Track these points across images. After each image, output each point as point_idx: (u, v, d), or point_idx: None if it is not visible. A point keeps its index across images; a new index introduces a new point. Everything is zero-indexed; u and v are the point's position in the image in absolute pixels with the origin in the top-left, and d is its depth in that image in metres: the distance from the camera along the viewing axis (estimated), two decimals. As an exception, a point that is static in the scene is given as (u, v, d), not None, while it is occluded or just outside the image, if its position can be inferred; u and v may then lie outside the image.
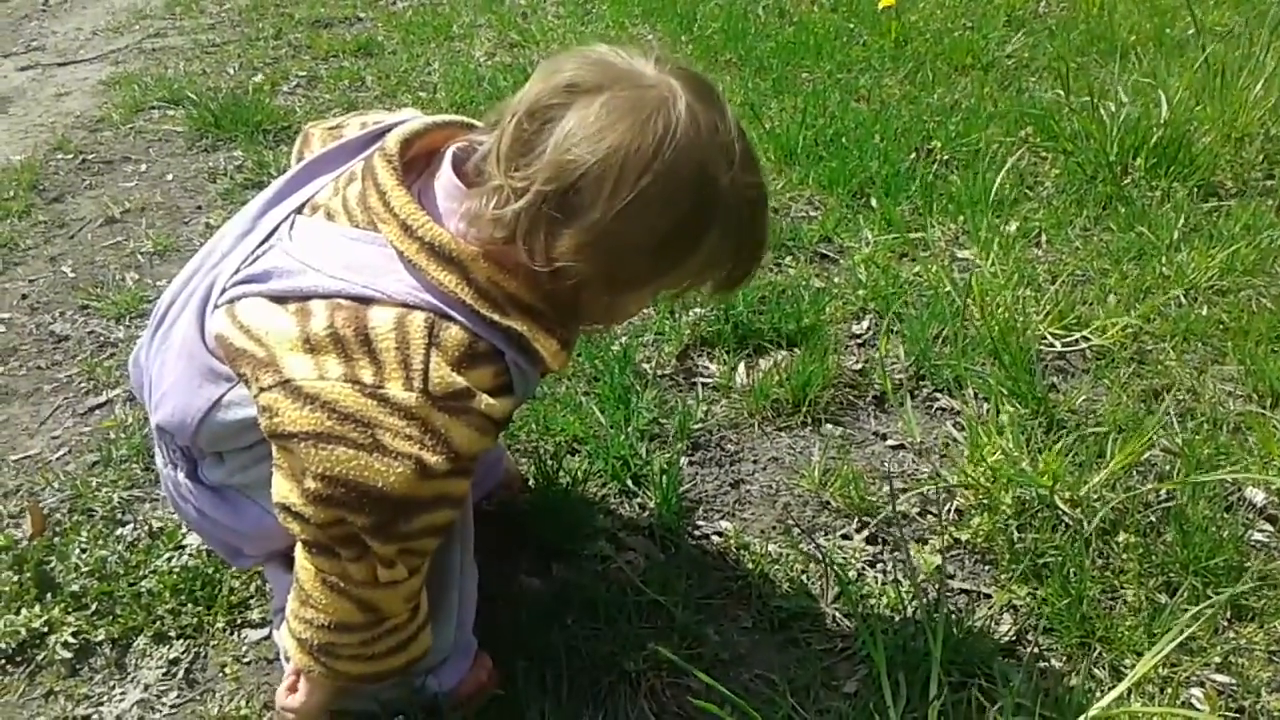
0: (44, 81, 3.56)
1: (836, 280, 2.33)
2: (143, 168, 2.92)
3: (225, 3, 4.21)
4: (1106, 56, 3.61)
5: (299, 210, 1.18)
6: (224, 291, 1.14)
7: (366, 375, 1.03)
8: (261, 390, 1.04)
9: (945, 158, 2.88)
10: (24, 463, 1.84)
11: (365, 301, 1.05)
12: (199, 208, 2.71)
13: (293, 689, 1.25)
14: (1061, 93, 3.11)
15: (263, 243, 1.15)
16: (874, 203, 2.64)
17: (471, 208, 1.06)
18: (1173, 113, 2.85)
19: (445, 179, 1.11)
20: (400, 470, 1.02)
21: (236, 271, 1.14)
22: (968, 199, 2.60)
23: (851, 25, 3.93)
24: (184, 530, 1.63)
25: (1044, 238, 2.50)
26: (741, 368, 2.04)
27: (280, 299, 1.08)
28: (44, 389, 2.03)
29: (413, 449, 1.02)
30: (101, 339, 2.17)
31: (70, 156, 2.98)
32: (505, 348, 1.08)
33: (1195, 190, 2.67)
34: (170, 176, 2.86)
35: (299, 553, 1.11)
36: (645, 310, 1.21)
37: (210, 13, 4.20)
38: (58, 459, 1.85)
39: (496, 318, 1.06)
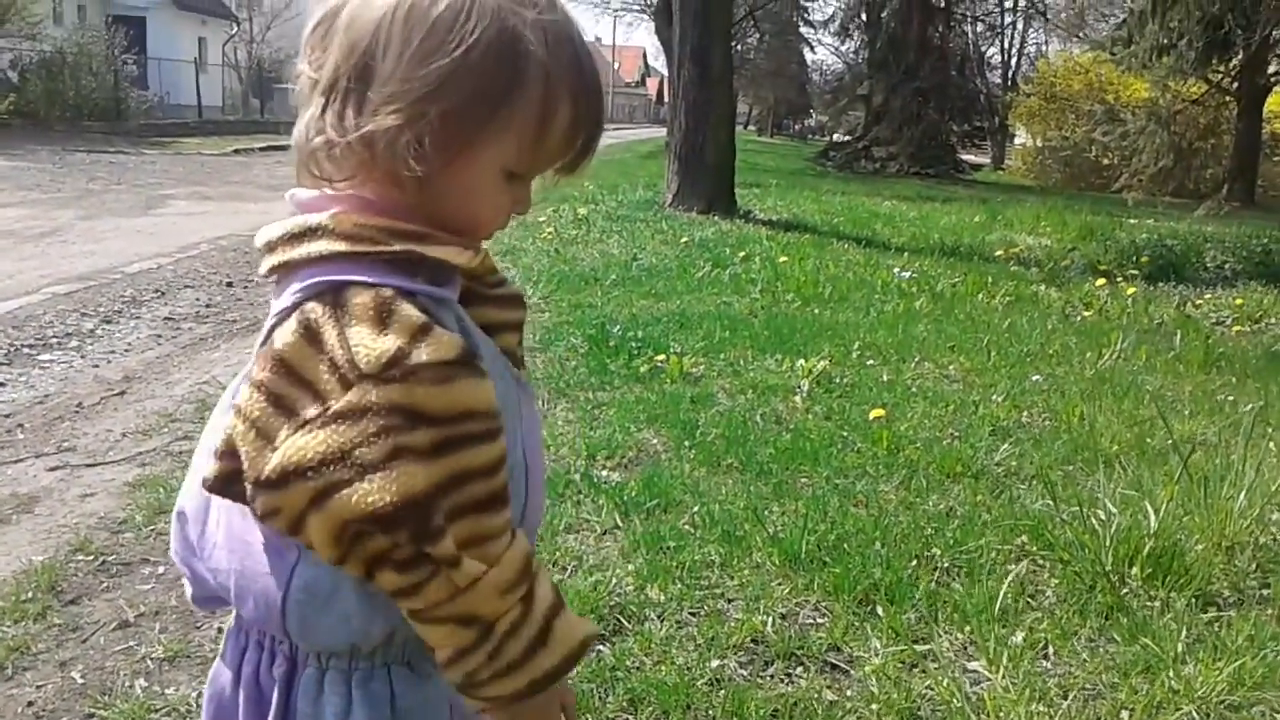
0: (71, 482, 3.69)
1: (849, 693, 2.33)
2: (160, 570, 2.98)
3: (252, 407, 4.44)
4: (1091, 465, 3.80)
5: None
6: None
7: (310, 409, 0.93)
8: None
9: (945, 564, 2.95)
10: None
11: (269, 340, 0.99)
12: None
13: None
14: (1051, 502, 3.25)
15: None
16: (880, 610, 2.68)
17: (305, 148, 1.01)
18: (1161, 523, 2.96)
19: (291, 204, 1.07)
20: (394, 477, 0.91)
21: None
22: (972, 608, 2.65)
23: (845, 433, 4.14)
24: None
25: (1051, 649, 2.53)
26: (758, 788, 2.00)
27: None
28: (40, 807, 1.98)
29: (389, 445, 0.91)
30: (105, 752, 2.14)
31: (90, 558, 3.04)
32: (409, 284, 0.98)
33: (1194, 600, 2.73)
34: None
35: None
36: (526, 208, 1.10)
37: (236, 416, 4.42)
38: None
39: (379, 248, 0.98)
